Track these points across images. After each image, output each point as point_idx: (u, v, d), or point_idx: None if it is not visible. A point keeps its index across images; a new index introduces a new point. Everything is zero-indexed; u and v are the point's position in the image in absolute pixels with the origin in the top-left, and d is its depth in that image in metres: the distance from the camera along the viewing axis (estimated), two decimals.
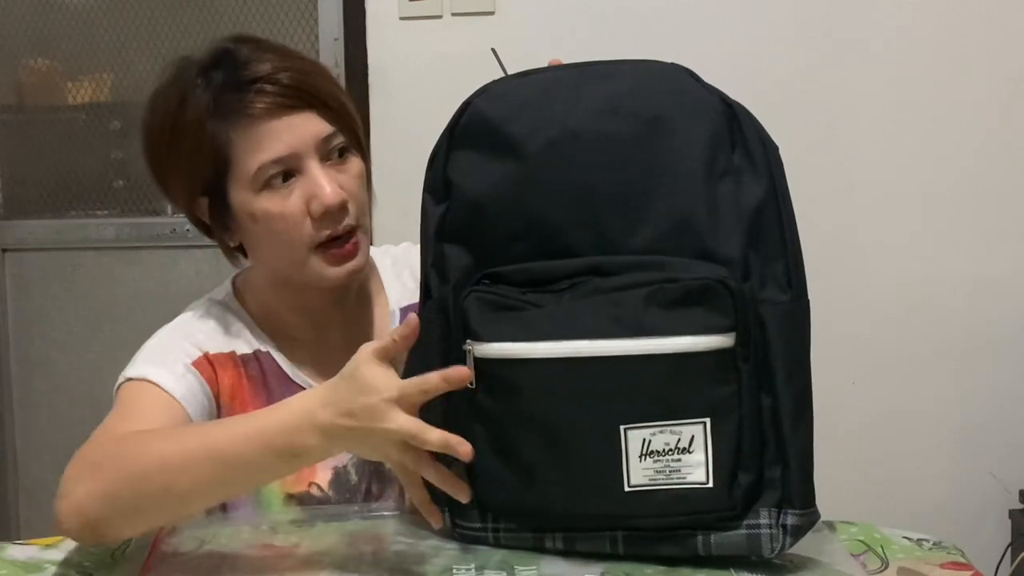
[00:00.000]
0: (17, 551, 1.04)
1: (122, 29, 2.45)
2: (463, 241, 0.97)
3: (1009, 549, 2.19)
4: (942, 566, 0.97)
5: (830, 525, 1.04)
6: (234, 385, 1.17)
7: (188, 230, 2.38)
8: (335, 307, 1.21)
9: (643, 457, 0.88)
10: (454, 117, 0.97)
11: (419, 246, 1.01)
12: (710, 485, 0.88)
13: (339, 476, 1.18)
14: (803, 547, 0.93)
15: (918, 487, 2.29)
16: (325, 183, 1.10)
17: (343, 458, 1.18)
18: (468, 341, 0.93)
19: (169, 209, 2.47)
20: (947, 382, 2.29)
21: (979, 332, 2.28)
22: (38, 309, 2.49)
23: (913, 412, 2.30)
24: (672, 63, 0.94)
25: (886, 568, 0.96)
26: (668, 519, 0.91)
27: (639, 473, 0.89)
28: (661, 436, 0.88)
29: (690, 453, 0.88)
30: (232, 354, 1.18)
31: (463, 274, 0.96)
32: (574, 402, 0.90)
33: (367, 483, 1.19)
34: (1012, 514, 2.23)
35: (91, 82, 2.49)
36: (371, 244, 1.19)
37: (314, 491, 1.17)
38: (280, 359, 1.19)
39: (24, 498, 2.55)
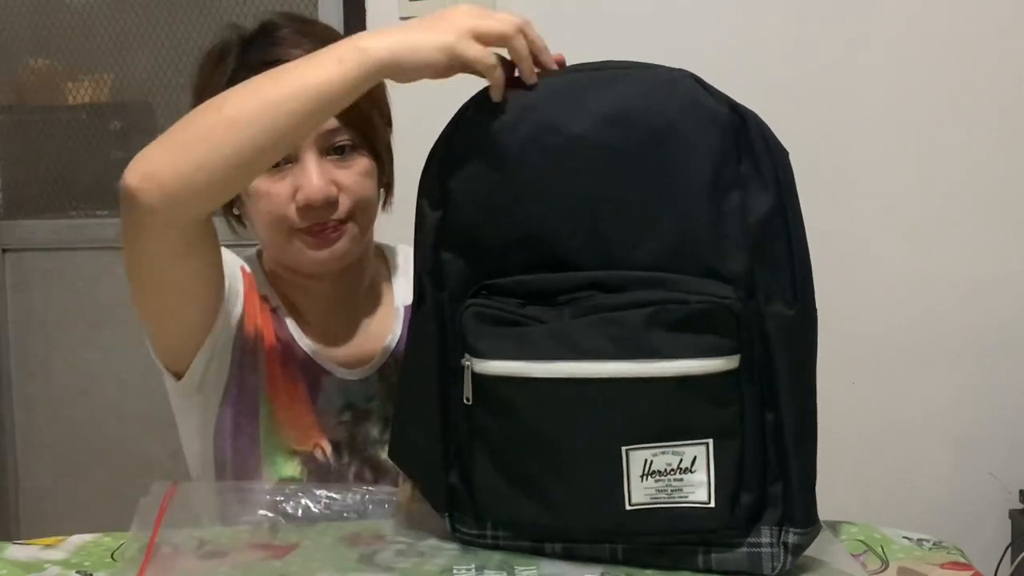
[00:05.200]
0: (17, 551, 1.04)
1: (122, 29, 2.45)
2: (460, 249, 0.95)
3: (1009, 549, 2.19)
4: (942, 566, 0.97)
5: (830, 525, 1.04)
6: (266, 322, 1.21)
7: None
8: (343, 296, 1.24)
9: (644, 477, 0.87)
10: (452, 121, 0.95)
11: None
12: (712, 505, 0.87)
13: (337, 447, 1.21)
14: None
15: (918, 487, 2.29)
16: (314, 176, 1.11)
17: (340, 435, 1.21)
18: (467, 356, 0.92)
19: None
20: (947, 382, 2.29)
21: (979, 332, 2.28)
22: (38, 309, 2.49)
23: (913, 412, 2.30)
24: (679, 69, 0.90)
25: (886, 568, 0.96)
26: (668, 536, 0.90)
27: (640, 492, 0.87)
28: (663, 457, 0.87)
29: (692, 473, 0.87)
30: (265, 298, 1.22)
31: (460, 282, 0.94)
32: (574, 422, 0.88)
33: (357, 468, 1.21)
34: (1012, 514, 2.24)
35: (91, 82, 2.49)
36: (368, 238, 1.21)
37: (318, 454, 1.19)
38: (292, 327, 1.23)
39: (24, 498, 2.55)
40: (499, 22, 0.94)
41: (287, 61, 1.09)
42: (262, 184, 1.13)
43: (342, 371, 1.23)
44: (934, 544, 1.02)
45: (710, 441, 0.86)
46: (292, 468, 1.19)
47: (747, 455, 0.87)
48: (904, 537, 1.03)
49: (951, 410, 2.29)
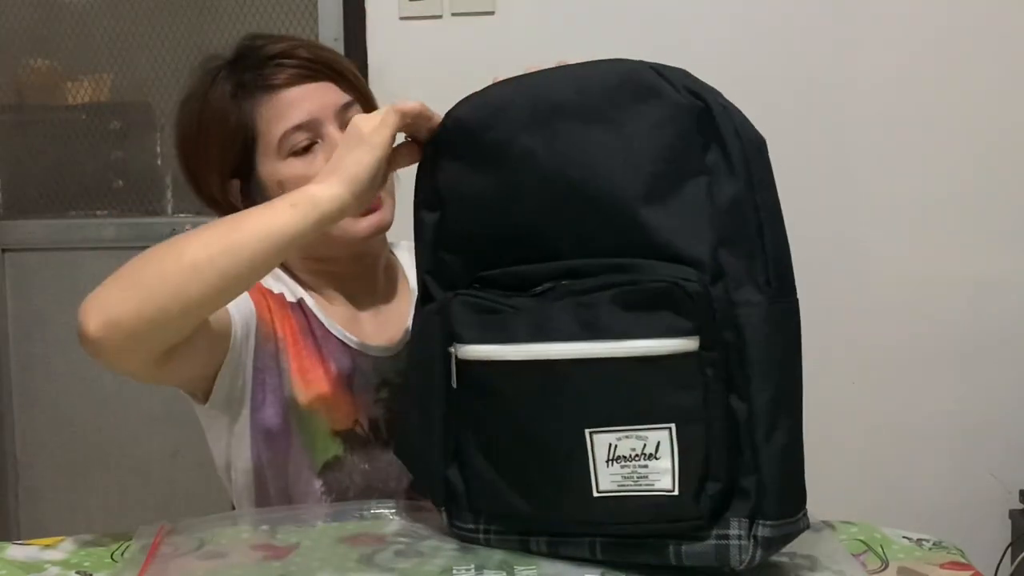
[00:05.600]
0: (17, 551, 1.04)
1: (122, 29, 2.45)
2: (459, 248, 0.98)
3: (1009, 549, 2.19)
4: (942, 566, 0.97)
5: (830, 525, 1.04)
6: (284, 318, 1.22)
7: (188, 230, 2.38)
8: (364, 279, 1.28)
9: (610, 462, 0.87)
10: (439, 127, 0.98)
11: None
12: (675, 493, 0.86)
13: (375, 424, 1.23)
14: (803, 547, 0.93)
15: (918, 487, 2.29)
16: None
17: (378, 412, 1.24)
18: (453, 344, 0.94)
19: (169, 209, 2.47)
20: (947, 382, 2.29)
21: (979, 332, 2.27)
22: (38, 309, 2.49)
23: (913, 412, 2.30)
24: (639, 61, 0.91)
25: (886, 568, 0.96)
26: (639, 527, 0.89)
27: (607, 478, 0.87)
28: (627, 441, 0.86)
29: (656, 459, 0.86)
30: (281, 296, 1.23)
31: (462, 278, 0.97)
32: (545, 404, 0.89)
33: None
34: (1012, 514, 2.23)
35: (91, 82, 2.49)
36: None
37: (359, 431, 1.22)
38: (318, 312, 1.25)
39: (24, 498, 2.54)
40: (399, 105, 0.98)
41: (277, 54, 1.19)
42: (298, 170, 1.16)
43: (373, 349, 1.25)
44: (934, 544, 1.02)
45: (672, 426, 0.85)
46: (334, 449, 1.21)
47: (712, 442, 0.85)
48: (904, 537, 1.03)
49: (951, 410, 2.29)
